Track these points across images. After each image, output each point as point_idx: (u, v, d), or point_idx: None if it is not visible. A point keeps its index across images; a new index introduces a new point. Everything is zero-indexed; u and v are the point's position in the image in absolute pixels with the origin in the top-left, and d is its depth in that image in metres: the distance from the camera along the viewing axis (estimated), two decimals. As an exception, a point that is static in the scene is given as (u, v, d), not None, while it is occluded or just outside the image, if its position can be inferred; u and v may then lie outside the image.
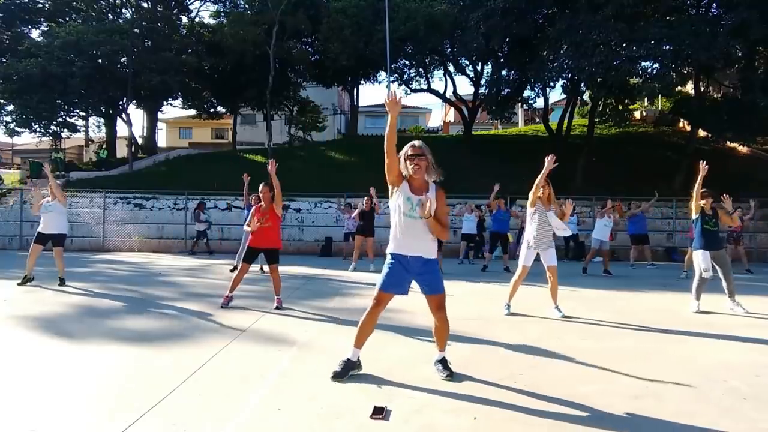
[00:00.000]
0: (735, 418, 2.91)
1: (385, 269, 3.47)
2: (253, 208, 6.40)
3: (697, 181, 6.30)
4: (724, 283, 6.32)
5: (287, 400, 3.08)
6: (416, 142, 3.40)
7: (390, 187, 3.45)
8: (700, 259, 6.24)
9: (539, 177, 5.67)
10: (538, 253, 5.91)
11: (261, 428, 2.73)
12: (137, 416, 2.80)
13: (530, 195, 5.86)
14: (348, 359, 3.50)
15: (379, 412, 2.87)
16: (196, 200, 17.14)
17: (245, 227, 6.34)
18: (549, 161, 5.41)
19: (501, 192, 10.90)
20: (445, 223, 3.41)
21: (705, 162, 6.20)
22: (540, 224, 5.81)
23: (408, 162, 3.34)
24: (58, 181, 8.43)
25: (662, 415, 2.92)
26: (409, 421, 2.80)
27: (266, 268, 6.90)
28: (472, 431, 2.73)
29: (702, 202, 6.31)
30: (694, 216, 6.46)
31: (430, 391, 3.24)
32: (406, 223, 3.38)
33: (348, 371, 3.46)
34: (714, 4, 17.49)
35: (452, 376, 3.47)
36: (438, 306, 3.48)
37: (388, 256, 3.49)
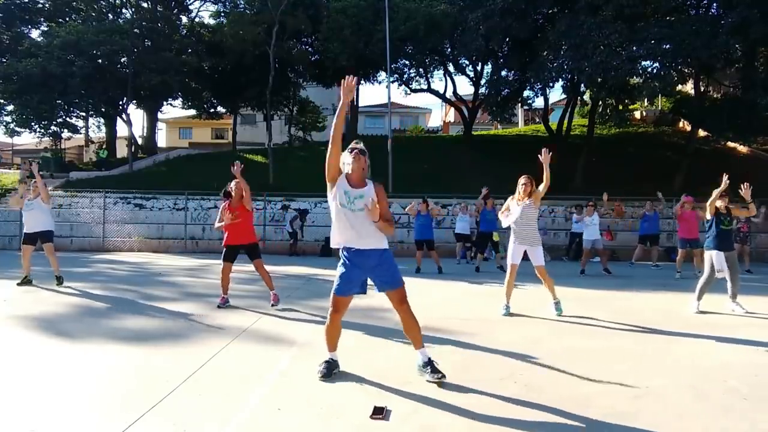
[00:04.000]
0: (735, 418, 2.91)
1: (339, 272, 3.47)
2: (222, 205, 6.26)
3: (715, 192, 6.30)
4: (729, 284, 6.30)
5: (287, 400, 3.08)
6: (358, 142, 3.48)
7: (328, 185, 3.45)
8: (714, 260, 6.21)
9: (545, 180, 5.66)
10: (527, 251, 5.89)
11: (261, 428, 2.73)
12: (137, 416, 2.80)
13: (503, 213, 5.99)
14: (329, 360, 3.57)
15: (379, 412, 2.87)
16: (196, 200, 17.19)
17: (216, 224, 6.28)
18: (545, 158, 5.44)
19: (501, 192, 10.91)
20: (389, 218, 3.42)
21: (728, 176, 6.22)
22: (523, 220, 5.82)
23: (348, 154, 3.37)
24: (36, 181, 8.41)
25: (662, 416, 2.92)
26: (408, 421, 2.80)
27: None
28: (472, 431, 2.73)
29: (718, 203, 6.30)
30: (708, 217, 6.44)
31: (430, 391, 3.24)
32: (348, 216, 3.38)
33: (332, 371, 3.52)
34: (714, 4, 17.49)
35: (444, 377, 3.37)
36: (399, 300, 3.44)
37: (341, 253, 3.48)
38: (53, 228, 8.01)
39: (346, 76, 3.22)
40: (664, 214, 16.92)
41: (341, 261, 3.48)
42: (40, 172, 7.91)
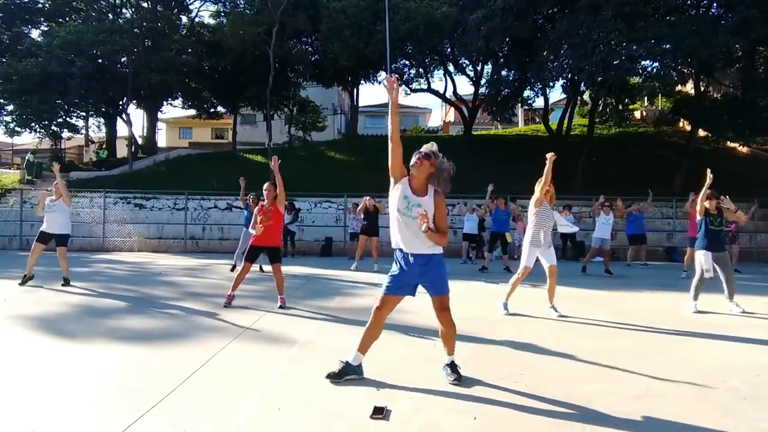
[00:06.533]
0: (735, 418, 2.91)
1: (391, 272, 3.46)
2: (257, 208, 6.42)
3: (703, 189, 6.33)
4: (724, 285, 6.31)
5: (287, 400, 3.08)
6: (434, 147, 3.36)
7: (392, 180, 3.41)
8: (702, 260, 6.24)
9: (544, 178, 5.68)
10: (539, 254, 5.90)
11: (261, 428, 2.73)
12: (137, 416, 2.80)
13: (535, 195, 5.88)
14: (348, 362, 3.44)
15: (379, 412, 2.87)
16: (196, 200, 17.18)
17: (251, 230, 6.30)
18: (550, 159, 5.44)
19: (501, 192, 10.90)
20: (444, 230, 3.34)
21: (710, 171, 6.28)
22: (542, 222, 5.82)
23: (414, 157, 3.33)
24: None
25: (662, 415, 2.92)
26: (409, 421, 2.80)
27: (267, 267, 6.89)
28: (473, 431, 2.73)
29: (707, 203, 6.32)
30: (698, 217, 6.47)
31: (430, 391, 3.24)
32: (402, 221, 3.37)
33: (345, 375, 3.40)
34: (714, 4, 17.49)
35: (460, 380, 3.40)
36: (441, 307, 3.44)
37: (395, 254, 3.48)
38: (70, 231, 8.05)
39: (387, 76, 3.22)
40: (665, 214, 16.97)
41: (395, 261, 3.47)
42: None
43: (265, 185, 6.31)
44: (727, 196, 6.30)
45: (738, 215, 6.36)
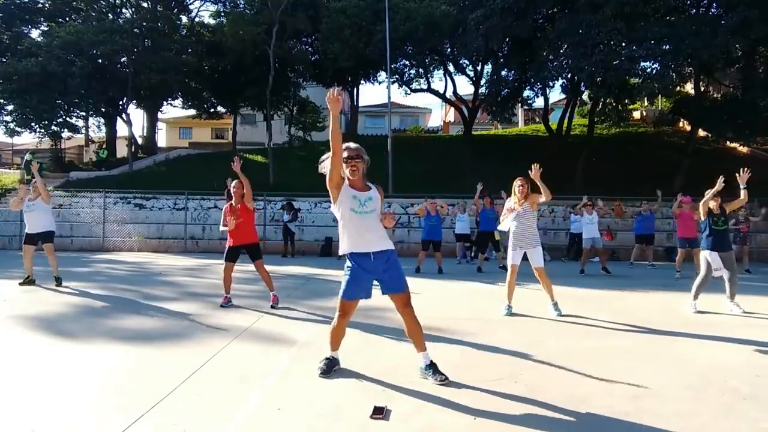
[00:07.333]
0: (735, 418, 2.91)
1: (346, 277, 3.46)
2: (224, 207, 6.29)
3: (711, 193, 6.30)
4: (727, 284, 6.31)
5: (287, 400, 3.08)
6: (351, 144, 3.44)
7: (333, 192, 3.39)
8: (709, 260, 6.23)
9: (543, 198, 5.72)
10: (526, 253, 5.90)
11: (261, 428, 2.73)
12: (137, 416, 2.80)
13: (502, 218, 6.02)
14: (332, 357, 3.65)
15: (379, 412, 2.87)
16: (196, 200, 17.19)
17: (221, 227, 6.28)
18: (535, 173, 5.56)
19: (500, 192, 10.90)
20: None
21: (723, 179, 6.22)
22: (521, 223, 5.82)
23: (345, 165, 3.37)
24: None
25: (662, 415, 2.92)
26: (408, 421, 2.80)
27: (268, 267, 6.87)
28: (472, 431, 2.73)
29: (711, 204, 6.31)
30: (702, 218, 6.45)
31: (430, 391, 3.24)
32: (360, 220, 3.39)
33: (332, 368, 3.58)
34: (714, 4, 17.50)
35: (447, 379, 3.38)
36: (405, 303, 3.46)
37: (348, 260, 3.47)
38: (54, 228, 8.00)
39: (331, 89, 3.21)
40: (664, 213, 16.96)
41: (349, 266, 3.46)
42: (27, 177, 8.06)
43: (233, 183, 6.24)
44: (747, 171, 6.24)
45: (744, 193, 6.34)
